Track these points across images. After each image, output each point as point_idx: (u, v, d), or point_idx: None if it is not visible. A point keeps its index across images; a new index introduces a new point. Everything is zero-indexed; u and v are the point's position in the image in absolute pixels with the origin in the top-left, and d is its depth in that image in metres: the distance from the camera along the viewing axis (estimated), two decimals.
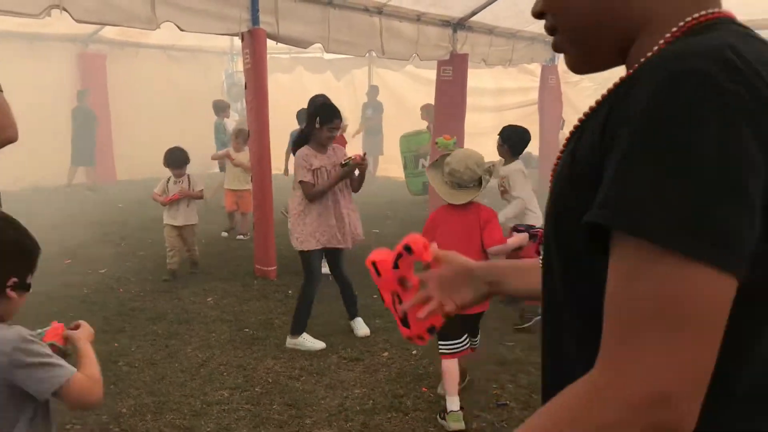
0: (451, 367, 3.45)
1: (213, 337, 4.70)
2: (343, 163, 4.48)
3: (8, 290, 1.76)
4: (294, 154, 4.59)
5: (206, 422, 3.50)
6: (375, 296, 5.69)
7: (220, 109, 10.31)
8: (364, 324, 4.85)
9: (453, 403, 3.40)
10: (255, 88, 6.07)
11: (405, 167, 10.79)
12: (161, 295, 5.72)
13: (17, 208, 2.78)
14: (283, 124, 14.21)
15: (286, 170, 8.60)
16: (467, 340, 3.51)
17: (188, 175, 6.28)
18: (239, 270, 6.47)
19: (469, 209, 3.51)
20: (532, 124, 12.19)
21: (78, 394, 1.77)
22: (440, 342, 3.45)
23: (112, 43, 12.27)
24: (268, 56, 6.21)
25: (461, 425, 3.35)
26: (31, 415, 1.79)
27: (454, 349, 3.44)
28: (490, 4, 8.52)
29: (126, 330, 4.81)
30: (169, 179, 6.28)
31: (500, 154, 5.16)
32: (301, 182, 4.39)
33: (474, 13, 8.65)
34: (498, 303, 5.45)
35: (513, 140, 5.07)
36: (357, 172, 4.54)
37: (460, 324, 3.38)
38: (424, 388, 3.88)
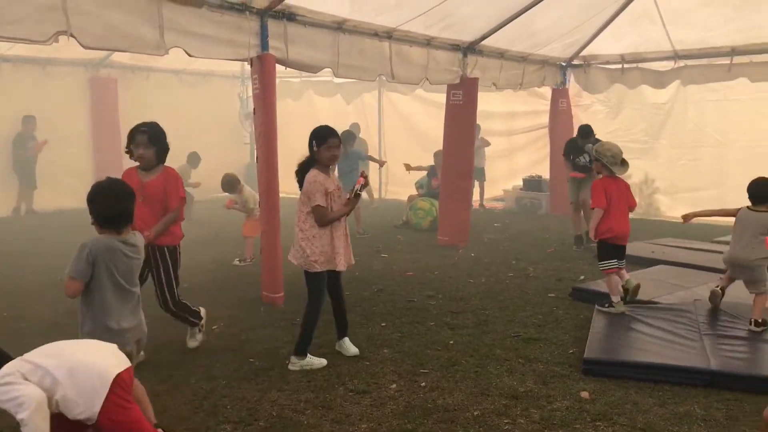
0: (612, 278, 5.58)
1: (217, 368, 4.60)
2: (357, 192, 4.59)
3: None
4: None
5: None
6: (383, 324, 5.59)
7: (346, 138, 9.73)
8: (351, 344, 4.95)
9: (615, 299, 5.49)
10: (264, 113, 6.03)
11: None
12: (167, 322, 5.61)
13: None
14: (296, 147, 14.10)
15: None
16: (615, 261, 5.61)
17: None
18: (246, 296, 6.38)
19: (621, 179, 5.63)
20: (542, 147, 12.19)
21: None
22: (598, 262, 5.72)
23: (124, 67, 12.36)
24: (278, 80, 6.19)
25: (623, 309, 5.42)
26: None
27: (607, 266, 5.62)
28: (500, 28, 8.49)
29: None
30: None
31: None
32: (317, 206, 4.46)
33: (484, 37, 8.62)
34: (508, 337, 5.34)
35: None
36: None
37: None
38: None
